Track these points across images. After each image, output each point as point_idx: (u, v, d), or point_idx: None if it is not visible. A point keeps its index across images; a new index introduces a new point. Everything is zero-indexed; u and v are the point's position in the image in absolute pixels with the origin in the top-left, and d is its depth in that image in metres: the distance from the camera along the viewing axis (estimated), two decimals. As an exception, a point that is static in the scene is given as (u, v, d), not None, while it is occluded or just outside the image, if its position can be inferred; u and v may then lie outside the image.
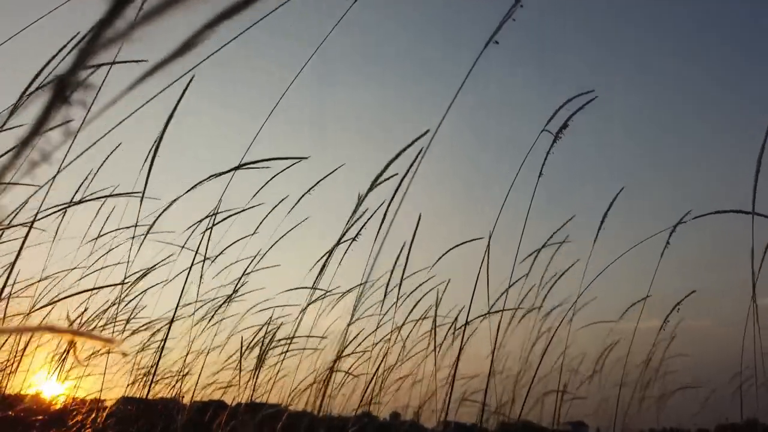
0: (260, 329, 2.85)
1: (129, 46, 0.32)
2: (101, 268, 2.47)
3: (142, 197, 1.78)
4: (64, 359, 2.55)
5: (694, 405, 3.68)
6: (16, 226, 1.68)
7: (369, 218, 2.05)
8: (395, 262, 2.38)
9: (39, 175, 1.70)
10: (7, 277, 1.49)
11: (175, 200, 2.07)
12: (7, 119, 1.42)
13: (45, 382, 2.63)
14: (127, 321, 2.79)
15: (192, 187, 1.92)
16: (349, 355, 2.86)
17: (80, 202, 2.03)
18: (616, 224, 2.51)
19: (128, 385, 2.95)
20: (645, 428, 3.81)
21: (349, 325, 2.47)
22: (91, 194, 2.08)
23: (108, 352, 2.72)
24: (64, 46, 1.55)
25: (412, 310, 2.92)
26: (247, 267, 2.57)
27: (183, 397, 3.19)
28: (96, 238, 2.41)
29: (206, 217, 2.15)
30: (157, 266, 2.58)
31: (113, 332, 2.80)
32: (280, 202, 2.38)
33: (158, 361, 2.35)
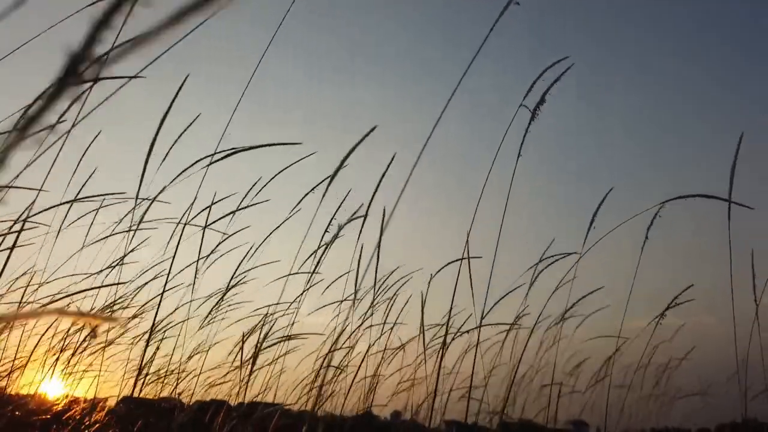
0: (255, 327, 2.85)
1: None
2: (105, 269, 2.47)
3: (137, 195, 1.78)
4: (67, 356, 2.56)
5: (695, 405, 3.68)
6: (15, 221, 1.69)
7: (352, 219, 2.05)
8: (377, 274, 2.37)
9: (36, 176, 1.70)
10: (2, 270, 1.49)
11: (166, 187, 2.02)
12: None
13: (46, 381, 2.63)
14: (131, 317, 2.79)
15: (184, 170, 1.88)
16: (347, 354, 2.86)
17: (75, 200, 2.03)
18: (614, 224, 2.50)
19: (128, 385, 2.96)
20: (647, 428, 3.81)
21: (346, 322, 2.47)
22: (87, 196, 2.08)
23: (106, 344, 2.72)
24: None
25: (402, 308, 2.92)
26: (242, 261, 2.57)
27: (182, 396, 3.20)
28: (87, 236, 2.40)
29: (203, 210, 2.15)
30: (155, 266, 2.58)
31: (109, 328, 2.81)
32: (255, 196, 2.38)
33: (152, 359, 2.36)
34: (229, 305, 2.83)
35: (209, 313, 2.78)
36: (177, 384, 3.08)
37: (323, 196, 1.94)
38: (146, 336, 2.87)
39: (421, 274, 2.79)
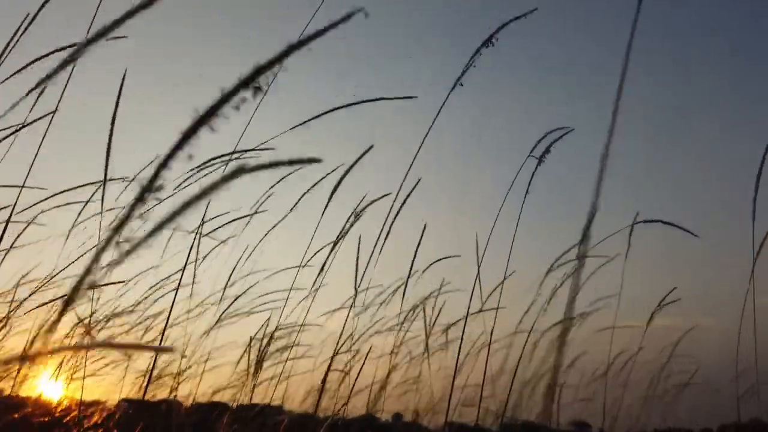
0: (259, 329, 2.85)
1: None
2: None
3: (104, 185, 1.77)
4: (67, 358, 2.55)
5: (698, 404, 3.67)
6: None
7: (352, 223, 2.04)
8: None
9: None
10: None
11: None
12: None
13: (47, 384, 2.63)
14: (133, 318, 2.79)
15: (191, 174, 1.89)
16: (353, 357, 2.86)
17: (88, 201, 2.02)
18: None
19: (128, 386, 2.95)
20: (649, 428, 3.80)
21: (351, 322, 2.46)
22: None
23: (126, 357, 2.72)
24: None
25: (410, 310, 2.91)
26: (237, 262, 2.57)
27: (184, 399, 3.19)
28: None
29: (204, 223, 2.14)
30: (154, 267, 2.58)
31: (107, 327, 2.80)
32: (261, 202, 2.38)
33: (155, 362, 2.35)
34: (236, 311, 2.83)
35: (218, 320, 2.78)
36: (178, 387, 3.07)
37: (326, 206, 1.96)
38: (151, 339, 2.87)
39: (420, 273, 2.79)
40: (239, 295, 2.72)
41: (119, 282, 2.45)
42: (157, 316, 2.77)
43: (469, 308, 2.43)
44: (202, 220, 2.17)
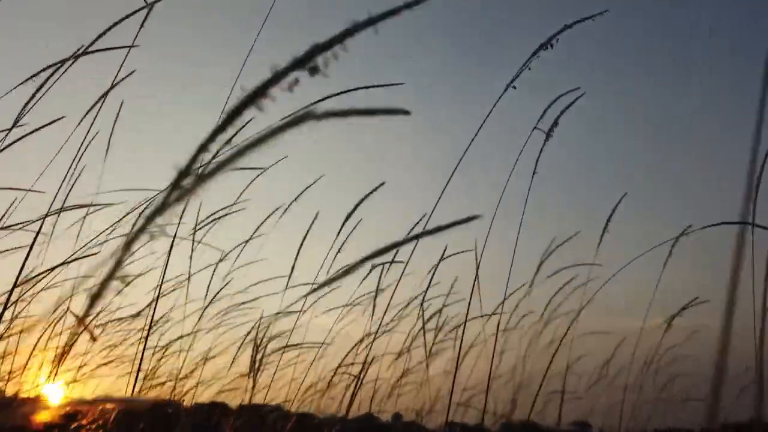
0: (258, 328, 2.84)
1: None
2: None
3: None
4: (62, 361, 2.54)
5: (699, 405, 3.67)
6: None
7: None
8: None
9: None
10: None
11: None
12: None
13: (45, 384, 2.61)
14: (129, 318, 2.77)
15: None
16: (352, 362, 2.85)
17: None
18: (622, 228, 2.49)
19: (128, 387, 2.94)
20: (649, 428, 3.80)
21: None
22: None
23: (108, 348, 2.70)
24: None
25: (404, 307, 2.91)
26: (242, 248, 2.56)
27: (184, 399, 3.18)
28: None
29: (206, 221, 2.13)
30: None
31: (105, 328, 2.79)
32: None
33: (159, 362, 2.34)
34: (239, 307, 2.82)
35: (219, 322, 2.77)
36: (175, 386, 3.06)
37: (338, 233, 1.96)
38: (149, 340, 2.86)
39: (421, 273, 2.78)
40: (238, 292, 2.71)
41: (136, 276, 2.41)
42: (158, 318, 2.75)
43: (468, 311, 2.42)
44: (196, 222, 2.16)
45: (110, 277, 0.30)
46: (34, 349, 2.44)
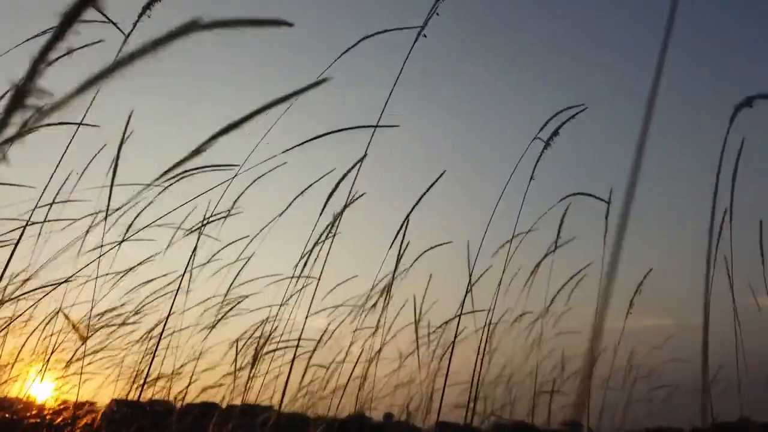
0: (254, 330, 2.84)
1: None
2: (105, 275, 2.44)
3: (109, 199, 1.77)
4: (56, 359, 2.53)
5: (689, 404, 3.70)
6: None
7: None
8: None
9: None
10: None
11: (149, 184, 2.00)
12: None
13: (36, 385, 2.60)
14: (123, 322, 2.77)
15: (182, 171, 1.87)
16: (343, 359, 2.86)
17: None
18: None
19: (119, 387, 2.94)
20: (640, 428, 3.83)
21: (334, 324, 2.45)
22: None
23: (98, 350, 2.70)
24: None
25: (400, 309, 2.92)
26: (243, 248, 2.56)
27: (176, 399, 3.18)
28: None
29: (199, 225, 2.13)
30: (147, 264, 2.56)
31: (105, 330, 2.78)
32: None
33: (151, 362, 2.34)
34: (231, 307, 2.82)
35: (214, 323, 2.77)
36: (170, 387, 3.05)
37: (321, 214, 1.95)
38: (141, 340, 2.85)
39: (419, 272, 2.78)
40: (228, 291, 2.71)
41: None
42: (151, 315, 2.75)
43: (462, 308, 2.43)
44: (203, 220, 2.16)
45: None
46: (21, 349, 2.44)
